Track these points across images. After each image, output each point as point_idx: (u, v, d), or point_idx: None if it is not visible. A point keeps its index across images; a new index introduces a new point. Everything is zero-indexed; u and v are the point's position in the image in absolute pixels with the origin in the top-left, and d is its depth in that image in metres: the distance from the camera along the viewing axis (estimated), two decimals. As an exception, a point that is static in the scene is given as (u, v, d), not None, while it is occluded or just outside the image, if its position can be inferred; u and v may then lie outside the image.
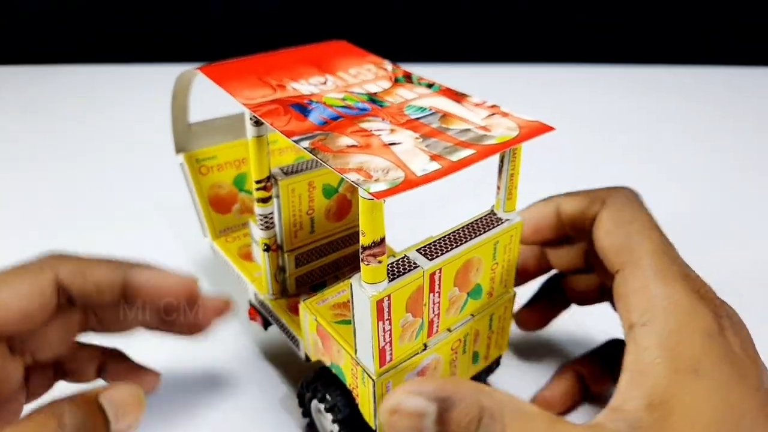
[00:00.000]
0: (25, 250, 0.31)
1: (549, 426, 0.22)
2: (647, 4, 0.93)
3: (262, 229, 0.32)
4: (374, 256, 0.23)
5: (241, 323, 0.41)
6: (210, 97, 0.43)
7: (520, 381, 0.36)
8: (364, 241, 0.23)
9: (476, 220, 0.28)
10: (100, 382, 0.33)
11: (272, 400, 0.35)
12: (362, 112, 0.27)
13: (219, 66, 0.32)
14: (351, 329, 0.28)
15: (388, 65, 0.32)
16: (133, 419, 0.25)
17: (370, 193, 0.21)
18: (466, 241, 0.27)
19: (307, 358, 0.32)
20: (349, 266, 0.37)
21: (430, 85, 0.30)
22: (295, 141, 0.24)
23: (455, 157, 0.23)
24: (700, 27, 0.94)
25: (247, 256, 0.38)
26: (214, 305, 0.31)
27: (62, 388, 0.34)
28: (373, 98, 0.28)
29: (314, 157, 0.23)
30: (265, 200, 0.31)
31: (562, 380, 0.34)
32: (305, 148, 0.24)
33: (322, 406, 0.30)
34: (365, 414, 0.28)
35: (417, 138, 0.24)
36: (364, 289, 0.24)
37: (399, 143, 0.24)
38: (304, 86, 0.29)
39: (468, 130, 0.25)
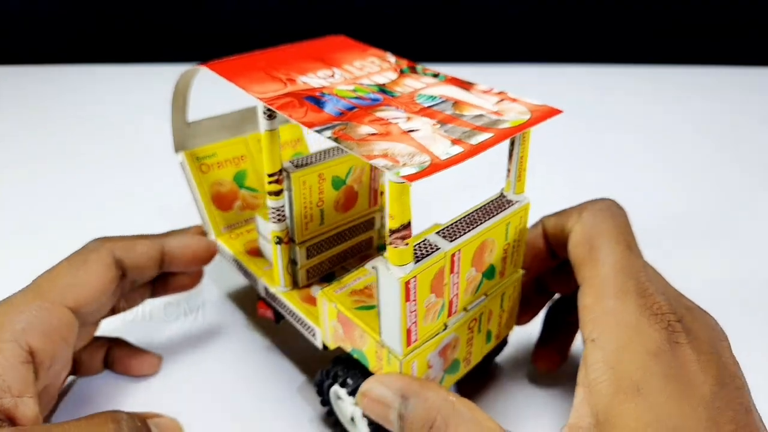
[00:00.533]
0: (27, 252, 0.31)
1: None
2: (650, 4, 0.93)
3: (274, 222, 0.32)
4: (402, 238, 0.24)
5: (250, 319, 0.41)
6: (205, 95, 0.43)
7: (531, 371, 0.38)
8: (392, 224, 0.24)
9: (488, 203, 0.29)
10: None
11: (289, 391, 0.36)
12: (375, 102, 0.28)
13: (224, 62, 0.32)
14: (372, 314, 0.29)
15: (391, 57, 0.33)
16: None
17: (401, 177, 0.21)
18: (480, 224, 0.28)
19: (325, 347, 0.33)
20: (356, 256, 0.38)
21: (435, 75, 0.31)
22: (317, 131, 0.25)
23: (475, 141, 0.24)
24: (705, 27, 0.93)
25: (253, 252, 0.38)
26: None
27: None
28: (382, 89, 0.29)
29: (339, 145, 0.24)
30: (277, 193, 0.31)
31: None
32: (329, 138, 0.24)
33: (342, 391, 0.31)
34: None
35: (435, 124, 0.25)
36: (392, 271, 0.25)
37: (417, 130, 0.25)
38: (313, 79, 0.30)
39: (482, 115, 0.26)
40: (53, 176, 0.61)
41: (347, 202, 0.35)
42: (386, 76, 0.31)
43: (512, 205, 0.29)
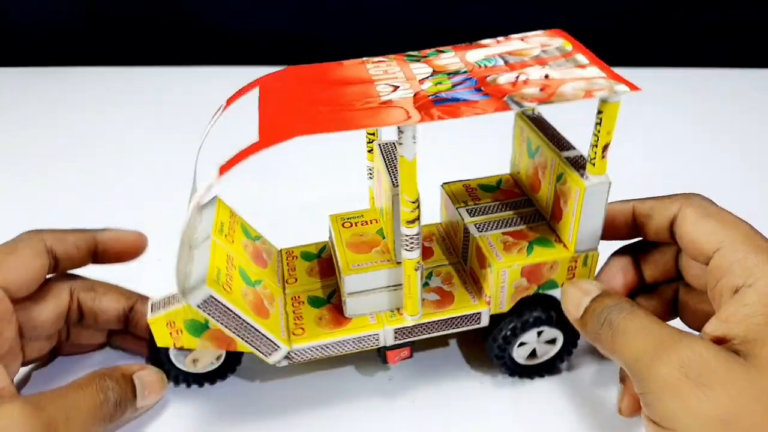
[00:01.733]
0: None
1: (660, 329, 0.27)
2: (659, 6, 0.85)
3: (411, 250, 0.31)
4: (608, 151, 0.30)
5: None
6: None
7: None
8: (608, 139, 0.29)
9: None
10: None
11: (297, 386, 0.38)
12: (473, 81, 0.30)
13: (294, 128, 0.27)
14: (540, 251, 0.33)
15: (382, 58, 0.34)
16: (154, 399, 0.34)
17: (628, 91, 0.28)
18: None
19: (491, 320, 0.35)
20: None
21: (441, 51, 0.34)
22: (517, 110, 0.27)
23: (583, 62, 0.31)
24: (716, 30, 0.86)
25: (338, 323, 0.34)
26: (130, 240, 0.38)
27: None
28: (453, 72, 0.31)
29: (550, 104, 0.27)
30: (416, 220, 0.30)
31: (615, 263, 0.36)
32: (533, 107, 0.27)
33: (526, 335, 0.35)
34: None
35: (543, 68, 0.31)
36: (599, 180, 0.30)
37: (548, 75, 0.30)
38: (395, 94, 0.29)
39: (545, 50, 0.32)
40: (58, 180, 0.61)
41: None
42: (423, 68, 0.32)
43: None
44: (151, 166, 0.62)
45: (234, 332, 0.31)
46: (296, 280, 0.37)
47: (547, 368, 0.37)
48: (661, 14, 0.83)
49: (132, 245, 0.37)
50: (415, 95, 0.29)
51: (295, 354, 0.33)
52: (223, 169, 0.26)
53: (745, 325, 0.26)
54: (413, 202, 0.29)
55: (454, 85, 0.30)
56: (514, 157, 0.40)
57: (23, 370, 0.37)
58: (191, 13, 0.88)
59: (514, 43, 0.34)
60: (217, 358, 0.36)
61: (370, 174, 0.38)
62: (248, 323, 0.31)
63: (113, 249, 0.37)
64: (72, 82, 0.83)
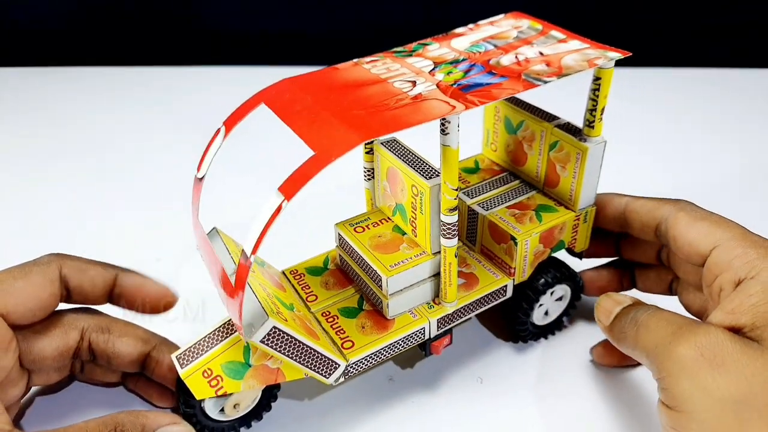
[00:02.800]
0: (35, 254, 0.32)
1: (677, 327, 0.28)
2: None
3: (450, 238, 0.31)
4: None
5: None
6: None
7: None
8: (606, 103, 0.32)
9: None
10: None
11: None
12: (480, 66, 0.31)
13: (343, 135, 0.26)
14: (547, 216, 0.36)
15: (373, 57, 0.33)
16: None
17: (620, 56, 0.31)
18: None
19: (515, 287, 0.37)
20: None
21: (424, 44, 0.35)
22: (541, 86, 0.29)
23: (561, 36, 0.34)
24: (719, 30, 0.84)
25: (380, 328, 0.33)
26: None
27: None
28: (451, 63, 0.32)
29: (566, 76, 0.30)
30: (456, 208, 0.31)
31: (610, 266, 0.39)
32: (552, 81, 0.29)
33: (549, 293, 0.37)
34: (582, 239, 0.38)
35: (532, 46, 0.33)
36: (598, 140, 0.34)
37: (540, 51, 0.32)
38: (418, 88, 0.29)
39: (521, 31, 0.35)
40: (62, 181, 0.60)
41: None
42: (420, 61, 0.32)
43: None
44: (151, 165, 0.62)
45: (295, 360, 0.29)
46: (316, 297, 0.36)
47: (557, 325, 0.40)
48: (661, 14, 0.82)
49: (155, 299, 0.34)
50: (437, 86, 0.30)
51: (352, 367, 0.32)
52: (288, 192, 0.25)
53: (753, 314, 0.27)
54: (455, 190, 0.30)
55: (465, 73, 0.31)
56: (487, 137, 0.42)
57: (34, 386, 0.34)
58: (191, 13, 0.85)
59: (487, 28, 0.36)
60: (253, 399, 0.34)
61: (368, 175, 0.37)
62: (310, 347, 0.30)
63: (132, 297, 0.33)
64: (72, 82, 0.81)
